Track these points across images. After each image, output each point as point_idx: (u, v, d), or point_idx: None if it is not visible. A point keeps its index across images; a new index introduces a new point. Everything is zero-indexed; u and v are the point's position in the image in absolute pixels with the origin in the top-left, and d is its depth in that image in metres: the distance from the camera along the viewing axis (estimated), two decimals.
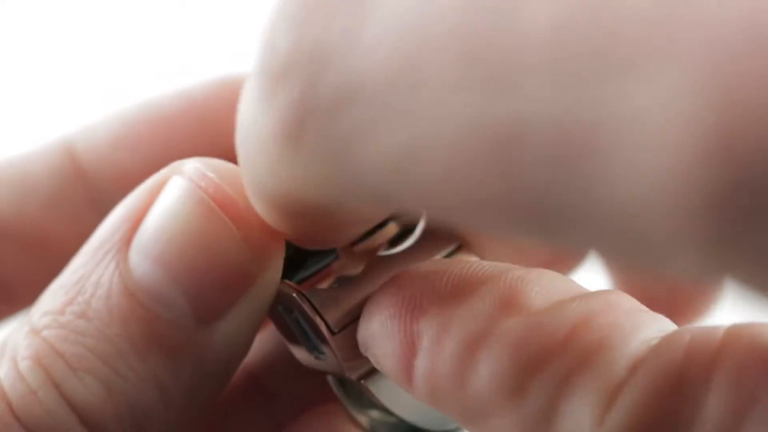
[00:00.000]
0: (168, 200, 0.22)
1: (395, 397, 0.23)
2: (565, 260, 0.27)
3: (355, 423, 0.26)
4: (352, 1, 0.17)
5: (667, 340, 0.19)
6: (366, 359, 0.22)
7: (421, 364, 0.20)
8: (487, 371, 0.19)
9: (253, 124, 0.19)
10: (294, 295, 0.23)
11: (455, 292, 0.21)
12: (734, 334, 0.19)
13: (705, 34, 0.13)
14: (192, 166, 0.23)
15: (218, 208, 0.22)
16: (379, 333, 0.21)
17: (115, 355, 0.22)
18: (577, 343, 0.19)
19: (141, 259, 0.22)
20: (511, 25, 0.15)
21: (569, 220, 0.15)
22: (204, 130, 0.28)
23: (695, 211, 0.14)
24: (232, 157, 0.28)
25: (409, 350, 0.21)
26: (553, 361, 0.19)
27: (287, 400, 0.27)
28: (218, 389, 0.23)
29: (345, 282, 0.23)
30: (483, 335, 0.20)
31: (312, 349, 0.23)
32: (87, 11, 0.59)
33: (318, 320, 0.22)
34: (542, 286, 0.20)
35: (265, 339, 0.27)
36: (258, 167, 0.20)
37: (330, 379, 0.25)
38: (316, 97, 0.17)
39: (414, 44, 0.16)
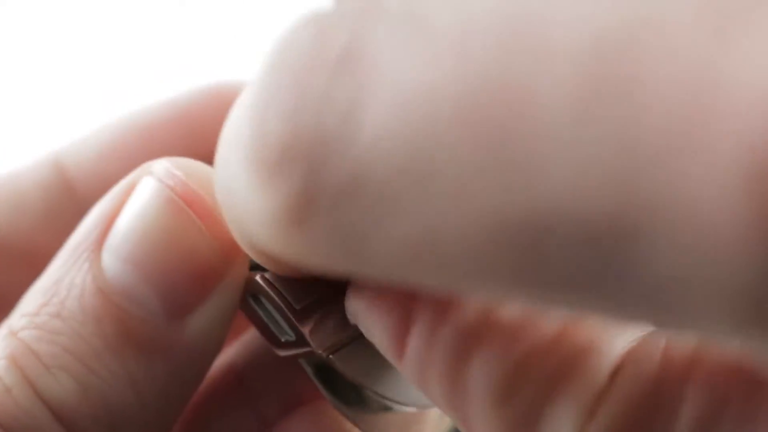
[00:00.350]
0: (138, 200, 0.23)
1: (367, 371, 0.23)
2: None
3: (340, 412, 0.26)
4: (350, 83, 0.16)
5: (643, 343, 0.19)
6: (334, 335, 0.22)
7: (415, 345, 0.20)
8: (478, 371, 0.19)
9: (245, 197, 0.18)
10: (257, 278, 0.23)
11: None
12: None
13: (733, 110, 0.13)
14: (161, 165, 0.23)
15: (186, 206, 0.23)
16: (373, 306, 0.21)
17: (89, 353, 0.22)
18: (565, 342, 0.19)
19: (113, 259, 0.23)
20: (529, 103, 0.14)
21: (601, 300, 0.15)
22: (191, 138, 0.29)
23: (743, 293, 0.13)
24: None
25: (404, 328, 0.20)
26: (540, 365, 0.19)
27: (273, 399, 0.27)
28: (192, 387, 0.24)
29: None
30: (478, 328, 0.20)
31: (282, 333, 0.24)
32: (87, 11, 0.60)
33: (280, 298, 0.23)
34: None
35: (251, 339, 0.27)
36: (252, 232, 0.19)
37: (311, 373, 0.25)
38: (321, 187, 0.16)
39: (421, 130, 0.15)
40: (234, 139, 0.18)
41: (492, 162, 0.14)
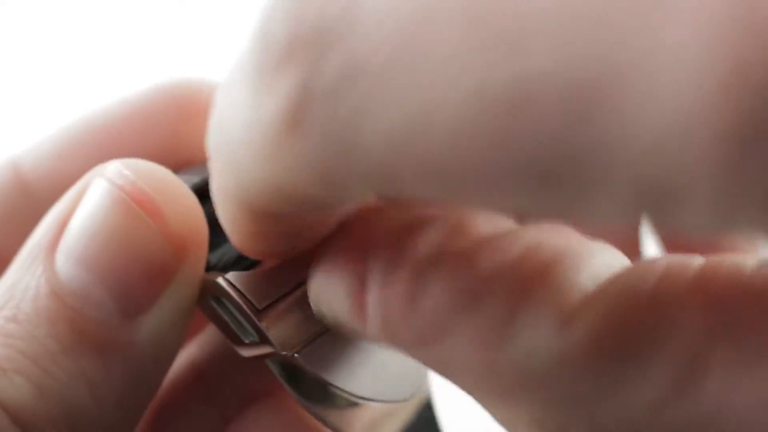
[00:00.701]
0: (89, 202, 0.23)
1: (332, 368, 0.23)
2: None
3: (305, 414, 0.26)
4: None
5: (641, 264, 0.19)
6: (297, 334, 0.23)
7: (372, 297, 0.20)
8: (438, 291, 0.19)
9: (241, 120, 0.19)
10: (218, 280, 0.23)
11: (403, 228, 0.20)
12: (713, 263, 0.18)
13: None
14: (112, 167, 0.23)
15: (136, 206, 0.23)
16: (329, 277, 0.21)
17: (45, 355, 0.22)
18: (529, 261, 0.19)
19: (65, 260, 0.23)
20: None
21: (584, 180, 0.15)
22: (148, 136, 0.29)
23: (712, 146, 0.14)
24: (177, 162, 0.28)
25: (360, 288, 0.20)
26: (508, 276, 0.19)
27: (232, 393, 0.27)
28: (151, 386, 0.24)
29: (271, 266, 0.23)
30: (433, 259, 0.19)
31: (246, 334, 0.24)
32: (86, 11, 0.60)
33: (242, 299, 0.23)
34: (490, 221, 0.20)
35: (211, 335, 0.27)
36: (244, 165, 0.19)
37: (275, 370, 0.25)
38: (319, 81, 0.17)
39: (415, 14, 0.16)
40: (239, 59, 0.19)
41: (478, 38, 0.15)
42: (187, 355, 0.28)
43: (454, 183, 0.16)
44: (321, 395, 0.25)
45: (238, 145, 0.19)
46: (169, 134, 0.29)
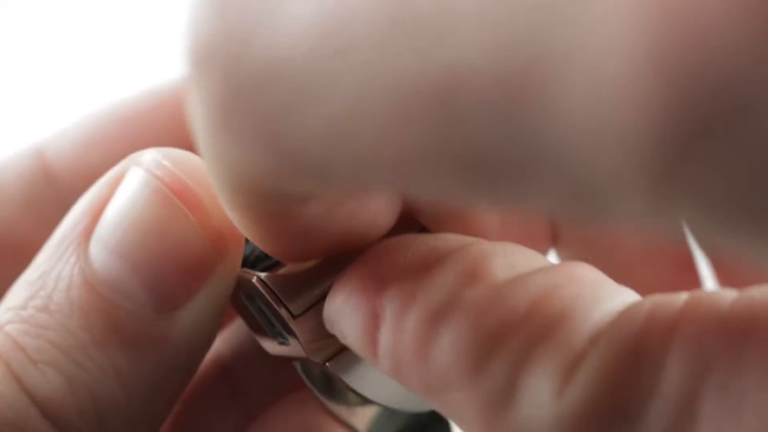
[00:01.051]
0: (126, 191, 0.23)
1: (361, 378, 0.23)
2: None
3: (328, 412, 0.26)
4: None
5: (627, 311, 0.19)
6: (329, 342, 0.22)
7: (385, 337, 0.20)
8: (448, 344, 0.19)
9: (192, 116, 0.19)
10: (253, 281, 0.22)
11: (419, 265, 0.20)
12: (694, 301, 0.18)
13: None
14: (149, 156, 0.23)
15: (175, 197, 0.22)
16: (344, 307, 0.21)
17: (76, 346, 0.22)
18: (538, 315, 0.19)
19: (100, 250, 0.22)
20: None
21: (516, 172, 0.15)
22: (174, 127, 0.28)
23: (640, 140, 0.13)
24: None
25: (374, 324, 0.20)
26: (513, 335, 0.19)
27: (258, 391, 0.27)
28: (182, 382, 0.23)
29: (307, 266, 0.23)
30: (445, 307, 0.19)
31: (276, 335, 0.23)
32: (86, 11, 0.59)
33: (278, 304, 0.22)
34: (507, 259, 0.20)
35: (236, 330, 0.27)
36: (207, 159, 0.19)
37: (299, 368, 0.25)
38: (241, 77, 0.17)
39: (336, 9, 0.16)
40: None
41: (402, 27, 0.15)
42: (212, 350, 0.28)
43: (389, 176, 0.16)
44: (343, 396, 0.25)
45: (198, 139, 0.19)
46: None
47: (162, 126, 0.29)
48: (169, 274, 0.22)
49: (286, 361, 0.24)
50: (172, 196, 0.22)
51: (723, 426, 0.17)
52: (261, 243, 0.21)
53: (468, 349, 0.19)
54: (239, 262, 0.23)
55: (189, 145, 0.27)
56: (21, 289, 0.23)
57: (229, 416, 0.27)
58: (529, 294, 0.19)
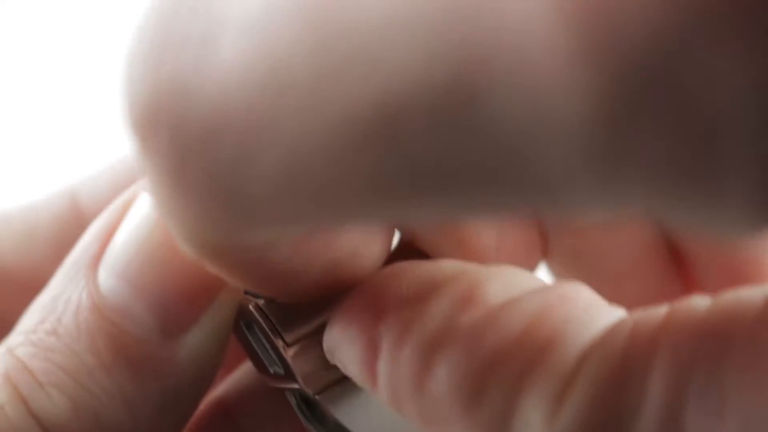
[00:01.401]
0: (134, 216, 0.23)
1: (352, 413, 0.23)
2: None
3: None
4: (198, 26, 0.16)
5: (612, 329, 0.19)
6: (323, 374, 0.22)
7: (383, 368, 0.20)
8: (443, 375, 0.19)
9: (144, 178, 0.19)
10: (251, 306, 0.23)
11: (416, 294, 0.20)
12: (673, 312, 0.18)
13: None
14: None
15: None
16: (343, 337, 0.21)
17: (83, 370, 0.22)
18: (530, 339, 0.19)
19: (108, 275, 0.23)
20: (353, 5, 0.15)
21: (475, 179, 0.15)
22: None
23: (579, 122, 0.14)
24: None
25: (372, 354, 0.20)
26: (507, 362, 0.19)
27: None
28: (189, 407, 0.23)
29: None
30: (440, 336, 0.19)
31: (271, 363, 0.23)
32: (85, 11, 0.60)
33: (273, 332, 0.22)
34: (501, 282, 0.20)
35: (242, 374, 0.27)
36: (164, 218, 0.19)
37: (294, 403, 0.25)
38: (186, 137, 0.17)
39: (266, 51, 0.16)
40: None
41: (336, 61, 0.15)
42: (216, 392, 0.28)
43: (351, 208, 0.16)
44: None
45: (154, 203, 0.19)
46: None
47: None
48: (175, 298, 0.22)
49: (281, 392, 0.24)
50: None
51: (707, 427, 0.17)
52: (242, 286, 0.22)
53: (463, 379, 0.19)
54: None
55: None
56: (33, 312, 0.23)
57: None
58: (522, 317, 0.19)
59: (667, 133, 0.13)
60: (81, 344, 0.22)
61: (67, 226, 0.29)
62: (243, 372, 0.27)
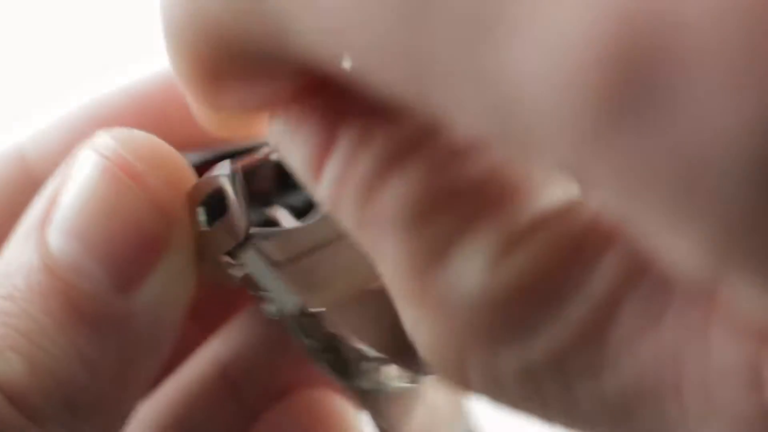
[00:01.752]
0: (78, 174, 0.23)
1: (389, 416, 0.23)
2: None
3: (348, 394, 0.26)
4: None
5: (575, 207, 0.18)
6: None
7: (332, 167, 0.19)
8: (396, 192, 0.19)
9: None
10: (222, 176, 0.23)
11: (385, 107, 0.19)
12: None
13: None
14: (101, 139, 0.23)
15: (125, 176, 0.22)
16: (295, 127, 0.20)
17: (38, 330, 0.22)
18: (491, 184, 0.19)
19: (57, 234, 0.22)
20: None
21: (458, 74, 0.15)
22: (153, 124, 0.28)
23: (582, 90, 0.13)
24: (181, 148, 0.28)
25: (324, 152, 0.20)
26: (462, 199, 0.18)
27: (258, 391, 0.27)
28: (152, 361, 0.23)
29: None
30: (403, 154, 0.19)
31: (232, 266, 0.23)
32: (85, 11, 0.60)
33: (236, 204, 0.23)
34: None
35: (235, 331, 0.27)
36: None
37: (315, 349, 0.25)
38: None
39: None
40: None
41: None
42: (211, 351, 0.28)
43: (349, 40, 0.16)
44: (359, 378, 0.25)
45: None
46: (175, 119, 0.28)
47: (141, 124, 0.29)
48: (124, 251, 0.22)
49: (287, 357, 0.24)
50: (123, 175, 0.22)
51: (636, 338, 0.17)
52: (215, 118, 0.21)
53: (415, 202, 0.19)
54: (190, 234, 0.23)
55: (170, 142, 0.27)
56: None
57: (231, 417, 0.27)
58: (488, 163, 0.19)
59: (655, 140, 0.13)
60: (35, 305, 0.22)
61: (17, 185, 0.29)
62: (236, 329, 0.27)
